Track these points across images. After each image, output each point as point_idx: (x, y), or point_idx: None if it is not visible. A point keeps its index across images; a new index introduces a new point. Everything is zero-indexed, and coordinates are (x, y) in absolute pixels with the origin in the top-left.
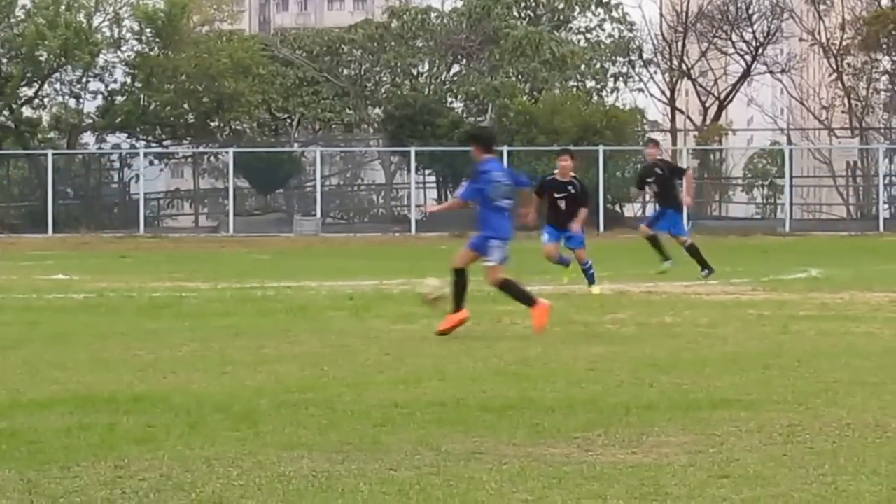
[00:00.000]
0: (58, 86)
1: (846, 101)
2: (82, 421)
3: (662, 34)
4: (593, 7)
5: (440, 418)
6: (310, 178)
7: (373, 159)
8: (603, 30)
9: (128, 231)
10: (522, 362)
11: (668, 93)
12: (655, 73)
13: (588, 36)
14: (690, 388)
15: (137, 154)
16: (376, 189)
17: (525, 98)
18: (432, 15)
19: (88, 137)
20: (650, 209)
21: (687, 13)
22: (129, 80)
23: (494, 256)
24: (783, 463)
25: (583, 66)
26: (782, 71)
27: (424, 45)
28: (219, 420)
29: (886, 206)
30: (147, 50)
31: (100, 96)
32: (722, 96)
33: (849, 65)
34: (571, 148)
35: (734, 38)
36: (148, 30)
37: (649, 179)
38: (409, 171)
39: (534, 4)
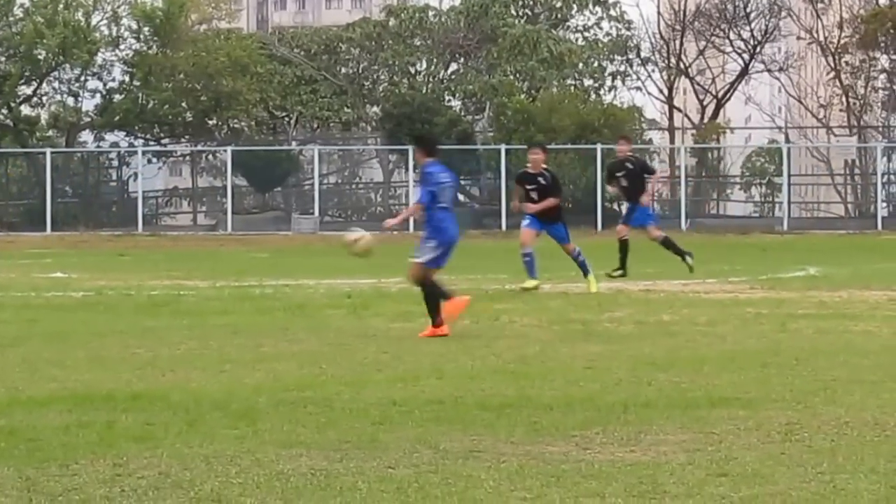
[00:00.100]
0: (56, 84)
1: (844, 99)
2: (81, 419)
3: (660, 32)
4: (591, 5)
5: (438, 416)
6: (308, 177)
7: (371, 158)
8: (601, 28)
9: (126, 229)
10: (520, 361)
11: (665, 91)
12: (653, 71)
13: (586, 34)
14: (689, 387)
15: (136, 152)
16: (374, 187)
17: (523, 96)
18: (430, 13)
19: (87, 136)
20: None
21: (685, 11)
22: (127, 78)
23: (424, 255)
24: (781, 461)
25: (580, 65)
26: (780, 69)
27: (422, 43)
28: (217, 418)
29: (884, 204)
30: (145, 48)
31: (98, 95)
32: (720, 95)
33: (847, 63)
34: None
35: (732, 36)
36: (146, 28)
37: (619, 174)
38: (406, 169)
39: (531, 3)
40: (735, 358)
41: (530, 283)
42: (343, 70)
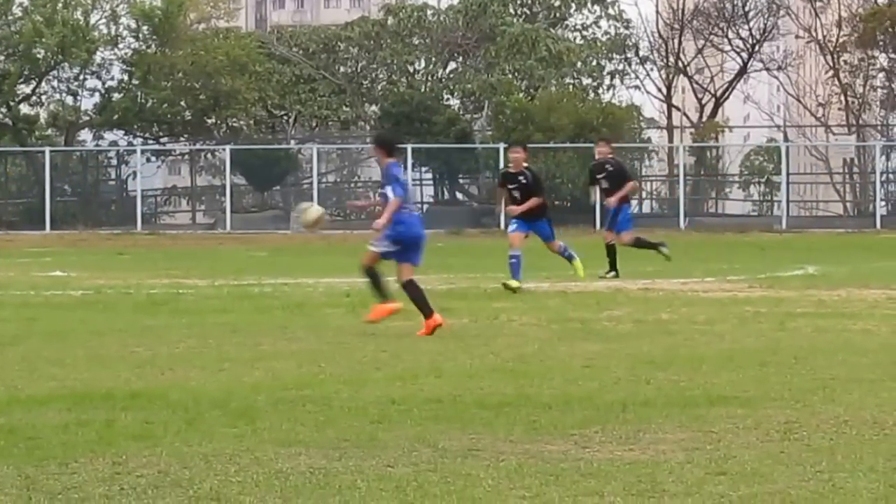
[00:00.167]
0: (55, 83)
1: (843, 98)
2: (80, 417)
3: (658, 31)
4: (589, 4)
5: (437, 415)
6: (306, 176)
7: (369, 157)
8: (599, 27)
9: (125, 228)
10: (519, 359)
11: (664, 90)
12: (651, 70)
13: (584, 33)
14: (687, 385)
15: (135, 151)
16: (373, 186)
17: (521, 95)
18: (428, 12)
19: (86, 135)
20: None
21: (683, 10)
22: (126, 77)
23: (380, 245)
24: (780, 460)
25: (579, 64)
26: (779, 68)
27: (421, 42)
28: (216, 417)
29: (883, 203)
30: (144, 47)
31: (97, 93)
32: (718, 93)
33: (845, 62)
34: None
35: (730, 35)
36: (145, 27)
37: (599, 175)
38: (405, 168)
39: (530, 2)
40: (734, 356)
41: (513, 283)
42: (341, 69)
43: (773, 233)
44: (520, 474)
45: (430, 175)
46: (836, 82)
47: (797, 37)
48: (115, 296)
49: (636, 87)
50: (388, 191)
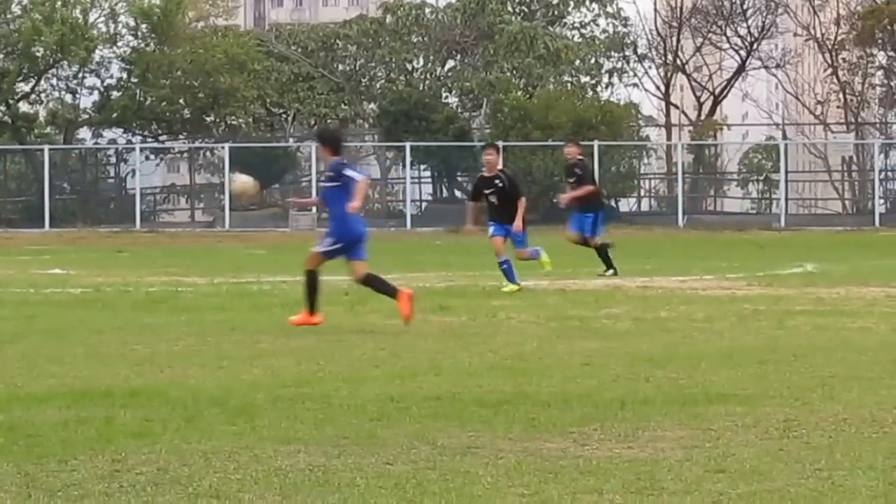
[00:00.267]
0: (54, 81)
1: (841, 96)
2: (79, 415)
3: (657, 29)
4: (588, 2)
5: (436, 413)
6: (305, 174)
7: (368, 154)
8: (597, 25)
9: (124, 226)
10: (518, 357)
11: (662, 88)
12: (650, 68)
13: (583, 31)
14: (686, 383)
15: (133, 149)
16: (371, 184)
17: (520, 93)
18: (427, 10)
19: (85, 133)
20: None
21: (681, 8)
22: (124, 75)
23: (322, 246)
24: (779, 458)
25: (577, 62)
26: (777, 66)
27: (419, 40)
28: (215, 414)
29: (882, 201)
30: (143, 45)
31: (96, 92)
32: (717, 91)
33: (844, 60)
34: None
35: (729, 33)
36: (143, 25)
37: (570, 180)
38: (404, 166)
39: (528, 0)
40: (732, 354)
41: (512, 288)
42: (340, 67)
43: (771, 231)
44: (518, 472)
45: (428, 173)
46: (835, 80)
47: (796, 35)
48: (114, 294)
49: (634, 84)
50: (352, 173)
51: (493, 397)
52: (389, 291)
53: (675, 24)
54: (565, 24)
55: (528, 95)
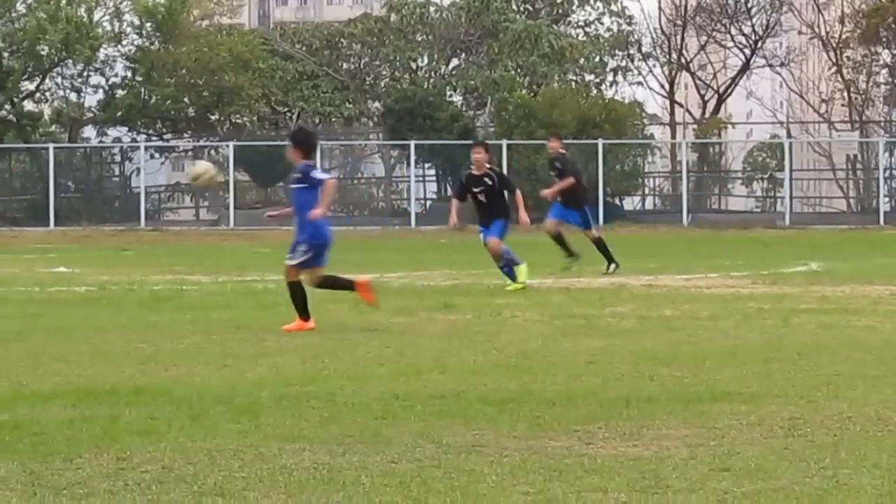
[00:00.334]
0: (59, 80)
1: (846, 94)
2: (84, 413)
3: (661, 27)
4: (592, 1)
5: (441, 411)
6: None
7: (372, 153)
8: (602, 23)
9: (129, 224)
10: (522, 355)
11: (667, 86)
12: (654, 66)
13: (587, 29)
14: (691, 382)
15: (138, 148)
16: (376, 182)
17: (524, 92)
18: (431, 9)
19: (89, 131)
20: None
21: (686, 6)
22: (129, 74)
23: (296, 257)
24: (784, 456)
25: (582, 60)
26: (781, 64)
27: (423, 38)
28: (220, 412)
29: (887, 199)
30: (147, 44)
31: (101, 90)
32: (721, 90)
33: (848, 58)
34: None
35: (733, 31)
36: (148, 24)
37: (553, 173)
38: (408, 164)
39: None
40: (737, 353)
41: (516, 286)
42: (344, 65)
43: (776, 229)
44: (523, 470)
45: (432, 171)
46: (839, 78)
47: (800, 33)
48: (118, 292)
49: (639, 83)
50: (320, 175)
51: (498, 395)
52: (346, 286)
53: (679, 22)
54: (570, 22)
55: (532, 94)
